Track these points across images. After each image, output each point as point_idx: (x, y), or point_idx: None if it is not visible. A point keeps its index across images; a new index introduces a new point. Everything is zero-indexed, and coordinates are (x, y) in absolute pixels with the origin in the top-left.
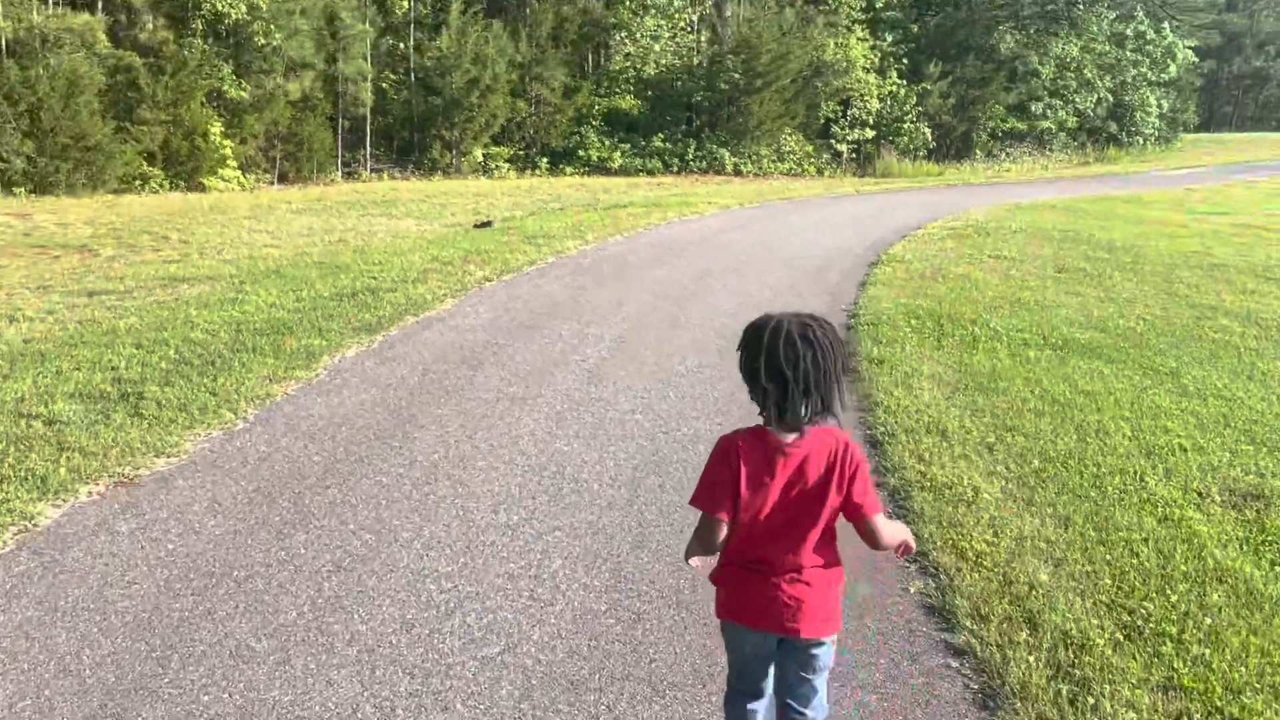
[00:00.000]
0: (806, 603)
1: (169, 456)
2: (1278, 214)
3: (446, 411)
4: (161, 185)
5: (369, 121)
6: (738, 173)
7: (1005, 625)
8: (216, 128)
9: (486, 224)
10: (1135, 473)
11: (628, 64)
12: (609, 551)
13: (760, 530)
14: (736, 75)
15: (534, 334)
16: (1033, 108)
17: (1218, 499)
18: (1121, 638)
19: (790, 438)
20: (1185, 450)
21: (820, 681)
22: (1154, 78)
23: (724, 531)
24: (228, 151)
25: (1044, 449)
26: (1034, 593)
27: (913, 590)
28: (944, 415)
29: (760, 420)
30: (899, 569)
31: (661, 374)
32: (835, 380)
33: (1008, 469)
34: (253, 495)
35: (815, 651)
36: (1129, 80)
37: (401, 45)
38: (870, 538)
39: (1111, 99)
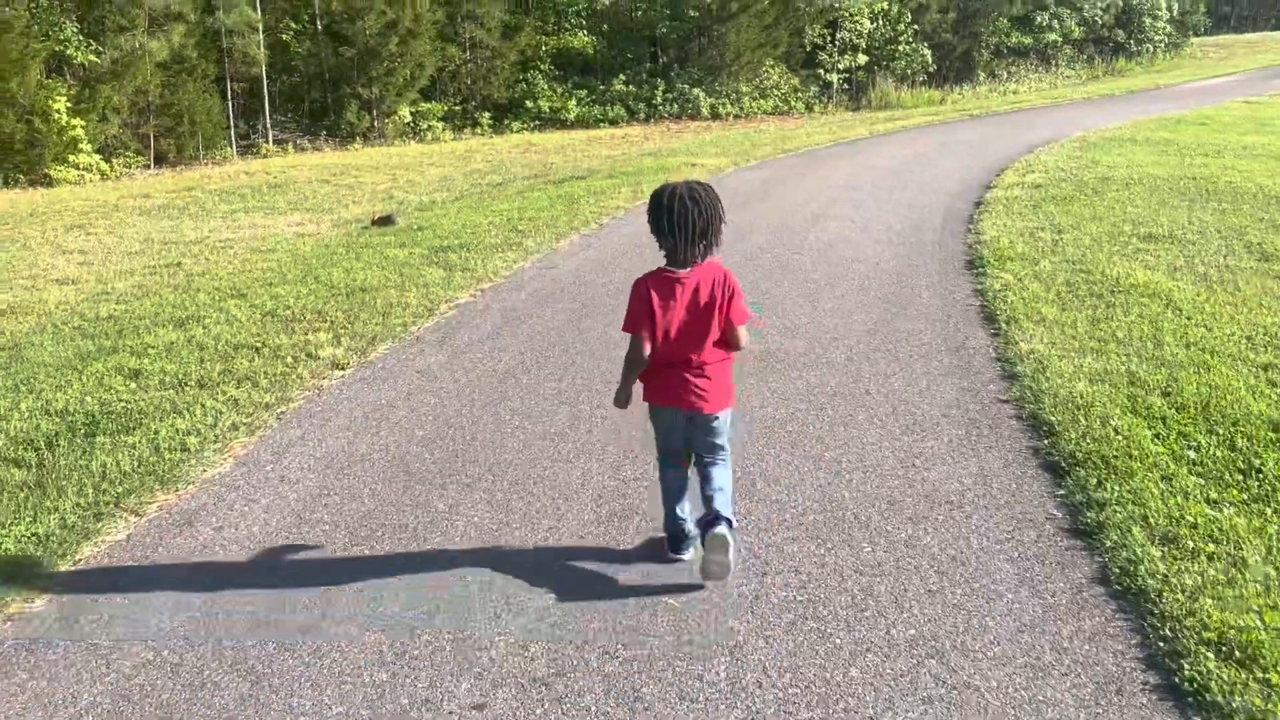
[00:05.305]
0: (707, 390)
1: None
2: None
3: None
4: None
5: (266, 83)
6: (715, 115)
7: None
8: (60, 104)
9: (387, 220)
10: None
11: None
12: None
13: (671, 340)
14: None
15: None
16: (1038, 19)
17: None
18: None
19: (684, 272)
20: None
21: (723, 440)
22: None
23: (648, 345)
24: (79, 132)
25: None
26: None
27: None
28: None
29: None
30: None
31: None
32: (716, 228)
33: None
34: None
35: (714, 424)
36: None
37: None
38: (733, 338)
39: (1121, 2)
